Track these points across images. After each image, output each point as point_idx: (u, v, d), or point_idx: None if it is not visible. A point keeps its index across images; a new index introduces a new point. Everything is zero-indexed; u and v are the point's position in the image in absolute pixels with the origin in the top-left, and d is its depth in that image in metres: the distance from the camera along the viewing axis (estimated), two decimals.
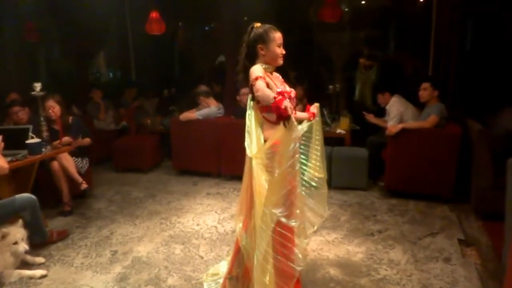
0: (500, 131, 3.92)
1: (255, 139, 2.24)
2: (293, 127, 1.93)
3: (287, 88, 2.34)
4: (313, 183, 2.53)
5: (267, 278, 2.07)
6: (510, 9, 4.73)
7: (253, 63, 2.28)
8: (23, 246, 2.91)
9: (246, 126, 2.30)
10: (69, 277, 2.93)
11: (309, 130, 2.52)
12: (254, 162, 2.17)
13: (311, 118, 2.51)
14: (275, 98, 1.93)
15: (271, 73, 2.34)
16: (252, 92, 2.20)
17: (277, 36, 2.29)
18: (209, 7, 6.65)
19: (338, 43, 6.64)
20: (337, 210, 4.04)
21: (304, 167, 2.51)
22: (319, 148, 2.56)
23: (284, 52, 2.32)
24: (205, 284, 2.74)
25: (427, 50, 5.31)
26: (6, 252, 2.86)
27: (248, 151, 2.23)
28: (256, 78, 2.10)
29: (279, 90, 2.20)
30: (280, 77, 2.40)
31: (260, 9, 6.25)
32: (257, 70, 2.18)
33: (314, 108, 2.57)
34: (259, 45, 2.28)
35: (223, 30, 6.27)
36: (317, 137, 2.55)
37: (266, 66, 2.29)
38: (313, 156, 2.55)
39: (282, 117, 1.91)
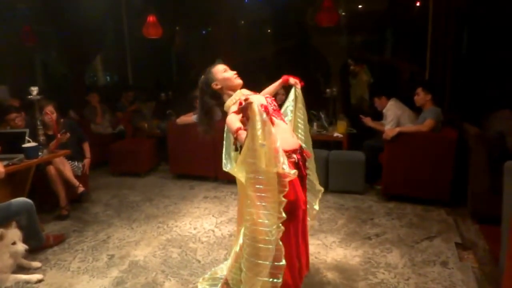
0: (493, 134, 3.95)
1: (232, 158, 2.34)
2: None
3: (260, 101, 2.34)
4: None
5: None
6: (505, 13, 4.77)
7: (220, 100, 2.36)
8: (22, 245, 2.90)
9: (223, 152, 2.43)
10: (65, 281, 2.92)
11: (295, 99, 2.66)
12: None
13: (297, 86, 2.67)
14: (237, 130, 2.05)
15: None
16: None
17: (219, 67, 2.43)
18: (206, 11, 6.67)
19: (335, 47, 6.67)
20: (334, 214, 4.04)
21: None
22: (302, 116, 2.69)
23: (235, 71, 2.42)
24: (199, 287, 2.73)
25: (423, 54, 5.34)
26: (5, 253, 2.85)
27: (225, 168, 2.35)
28: (236, 131, 2.09)
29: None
30: (248, 92, 2.47)
31: (257, 14, 6.29)
32: (232, 119, 2.15)
33: (293, 80, 2.69)
34: (212, 84, 2.38)
35: (220, 34, 6.30)
36: (299, 105, 2.68)
37: (236, 93, 2.37)
38: (298, 125, 2.68)
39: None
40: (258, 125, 1.94)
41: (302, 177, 2.39)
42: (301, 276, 2.46)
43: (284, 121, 2.46)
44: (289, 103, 2.73)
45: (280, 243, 2.06)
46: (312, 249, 3.25)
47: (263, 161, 1.97)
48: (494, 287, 2.69)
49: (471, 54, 5.77)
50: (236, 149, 2.32)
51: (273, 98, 2.54)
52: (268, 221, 1.97)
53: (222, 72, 2.42)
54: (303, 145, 2.62)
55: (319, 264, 3.05)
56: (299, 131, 2.71)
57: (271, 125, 2.02)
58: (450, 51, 5.01)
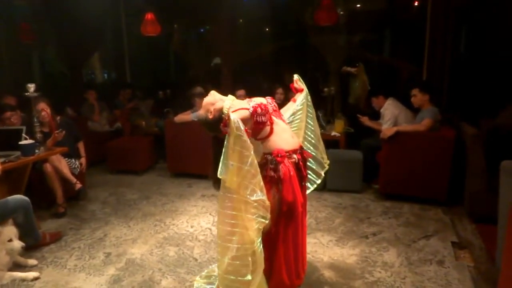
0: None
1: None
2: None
3: (258, 101, 2.38)
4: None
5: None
6: (503, 14, 4.78)
7: (221, 119, 2.29)
8: (19, 242, 2.89)
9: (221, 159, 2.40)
10: (62, 279, 2.91)
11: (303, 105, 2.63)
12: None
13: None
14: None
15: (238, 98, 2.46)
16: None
17: (202, 104, 2.43)
18: (205, 10, 6.65)
19: (333, 46, 6.66)
20: (331, 213, 4.04)
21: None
22: (311, 122, 2.70)
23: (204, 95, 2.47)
24: (195, 285, 2.74)
25: (421, 54, 5.34)
26: (1, 250, 2.84)
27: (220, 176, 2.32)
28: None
29: (251, 109, 2.27)
30: (242, 98, 2.53)
31: (255, 12, 6.28)
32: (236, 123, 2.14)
33: (297, 83, 2.67)
34: (208, 116, 2.35)
35: (219, 33, 6.28)
36: (309, 110, 2.67)
37: (230, 99, 2.38)
38: (308, 131, 2.70)
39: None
40: (232, 143, 2.00)
41: (301, 177, 2.39)
42: (300, 277, 2.47)
43: (284, 121, 2.46)
44: (297, 108, 2.67)
45: (250, 259, 2.09)
46: (309, 248, 3.25)
47: (234, 182, 2.03)
48: (490, 286, 2.70)
49: (469, 54, 5.78)
50: None
51: (272, 97, 2.54)
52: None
53: (205, 104, 2.40)
54: (314, 153, 2.67)
55: (316, 263, 3.05)
56: (310, 134, 2.71)
57: (246, 140, 2.04)
58: (448, 51, 5.02)
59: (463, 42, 5.87)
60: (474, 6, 5.21)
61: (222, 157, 2.06)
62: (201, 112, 2.42)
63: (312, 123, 2.72)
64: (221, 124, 2.10)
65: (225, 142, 2.04)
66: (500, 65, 4.87)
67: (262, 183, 2.09)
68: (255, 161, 2.07)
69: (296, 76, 2.69)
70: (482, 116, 4.46)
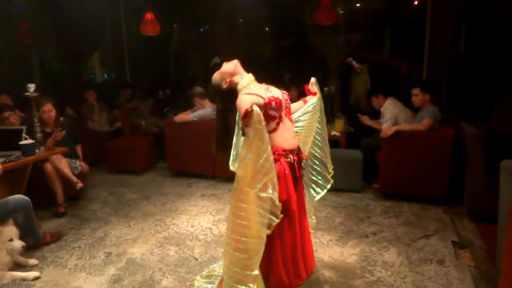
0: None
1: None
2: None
3: (275, 93, 2.35)
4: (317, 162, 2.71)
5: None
6: (503, 13, 4.78)
7: (233, 92, 2.31)
8: (19, 242, 2.89)
9: (232, 149, 2.40)
10: (62, 279, 2.91)
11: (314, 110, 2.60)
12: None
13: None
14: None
15: (257, 81, 2.39)
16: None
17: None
18: (204, 9, 6.65)
19: (333, 46, 6.67)
20: (331, 212, 4.05)
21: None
22: (320, 126, 2.68)
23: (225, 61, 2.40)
24: (196, 285, 2.74)
25: (421, 53, 5.34)
26: (2, 250, 2.84)
27: (232, 168, 2.35)
28: (245, 112, 2.09)
29: (266, 99, 2.23)
30: (264, 84, 2.41)
31: (255, 12, 6.28)
32: (244, 102, 2.15)
33: (312, 86, 2.66)
34: (222, 84, 2.33)
35: (218, 32, 6.28)
36: (319, 115, 2.65)
37: (246, 78, 2.34)
38: (316, 135, 2.68)
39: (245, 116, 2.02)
40: (253, 137, 1.99)
41: (296, 178, 2.39)
42: (301, 277, 2.48)
43: (291, 120, 2.44)
44: (307, 110, 2.64)
45: (261, 253, 2.10)
46: None
47: (244, 173, 2.03)
48: (490, 285, 2.71)
49: (468, 53, 5.78)
50: (243, 134, 2.27)
51: (288, 93, 2.52)
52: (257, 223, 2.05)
53: (223, 71, 2.36)
54: (320, 155, 2.69)
55: (316, 262, 3.05)
56: (317, 137, 2.71)
57: (264, 135, 2.04)
58: (448, 50, 5.02)
59: (463, 40, 5.87)
60: (473, 4, 5.21)
61: (239, 148, 2.07)
62: (216, 77, 2.37)
63: (320, 127, 2.71)
64: (241, 116, 2.05)
65: (237, 134, 2.04)
66: (500, 63, 4.87)
67: (275, 180, 2.09)
68: (271, 157, 2.07)
69: (313, 79, 2.68)
70: (481, 116, 4.46)
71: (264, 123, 2.04)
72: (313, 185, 2.75)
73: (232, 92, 2.30)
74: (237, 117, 2.38)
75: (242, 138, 2.26)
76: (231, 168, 2.38)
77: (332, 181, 2.75)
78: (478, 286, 2.72)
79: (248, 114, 2.00)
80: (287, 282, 2.33)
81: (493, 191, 2.92)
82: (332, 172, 2.76)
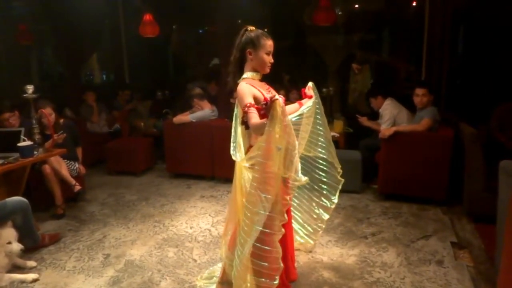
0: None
1: (241, 147, 2.31)
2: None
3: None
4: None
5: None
6: (501, 13, 4.79)
7: (241, 68, 2.32)
8: (18, 245, 2.89)
9: (232, 136, 2.38)
10: (61, 281, 2.91)
11: (310, 113, 2.60)
12: (242, 166, 2.21)
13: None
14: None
15: (260, 80, 2.36)
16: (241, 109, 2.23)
17: (268, 43, 2.29)
18: (203, 10, 6.65)
19: (332, 47, 6.67)
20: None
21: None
22: (321, 128, 2.70)
23: (272, 61, 2.33)
24: (198, 285, 2.74)
25: (420, 54, 5.34)
26: (0, 252, 2.83)
27: (234, 157, 2.32)
28: (247, 106, 2.10)
29: (264, 98, 2.22)
30: (266, 85, 2.40)
31: (254, 13, 6.27)
32: (246, 92, 2.16)
33: (309, 90, 2.65)
34: (248, 49, 2.29)
35: (217, 33, 6.27)
36: (318, 117, 2.65)
37: (255, 74, 2.32)
38: (320, 138, 2.71)
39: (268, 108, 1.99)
40: (278, 127, 1.96)
41: (284, 178, 2.37)
42: (290, 278, 2.49)
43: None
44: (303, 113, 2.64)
45: (279, 246, 2.09)
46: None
47: (276, 164, 2.01)
48: (489, 286, 2.70)
49: (467, 54, 5.79)
50: (242, 123, 2.27)
51: (284, 99, 2.52)
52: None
53: (266, 51, 2.29)
54: (326, 156, 2.75)
55: (315, 263, 3.05)
56: (321, 139, 2.74)
57: (291, 128, 2.04)
58: (446, 51, 5.02)
59: (461, 41, 5.88)
60: (472, 5, 5.21)
61: (238, 138, 2.08)
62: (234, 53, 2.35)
63: (322, 129, 2.71)
64: (263, 106, 2.05)
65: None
66: (499, 64, 4.88)
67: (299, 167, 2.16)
68: (296, 143, 2.11)
69: (310, 84, 2.68)
70: (480, 117, 4.46)
71: (288, 114, 2.05)
72: (325, 187, 2.85)
73: (241, 59, 2.33)
74: (234, 113, 2.40)
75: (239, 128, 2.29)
76: (233, 157, 2.34)
77: (342, 180, 2.78)
78: (477, 286, 2.72)
79: (268, 102, 1.98)
80: (280, 282, 2.33)
81: (492, 192, 2.92)
82: (341, 171, 2.77)
